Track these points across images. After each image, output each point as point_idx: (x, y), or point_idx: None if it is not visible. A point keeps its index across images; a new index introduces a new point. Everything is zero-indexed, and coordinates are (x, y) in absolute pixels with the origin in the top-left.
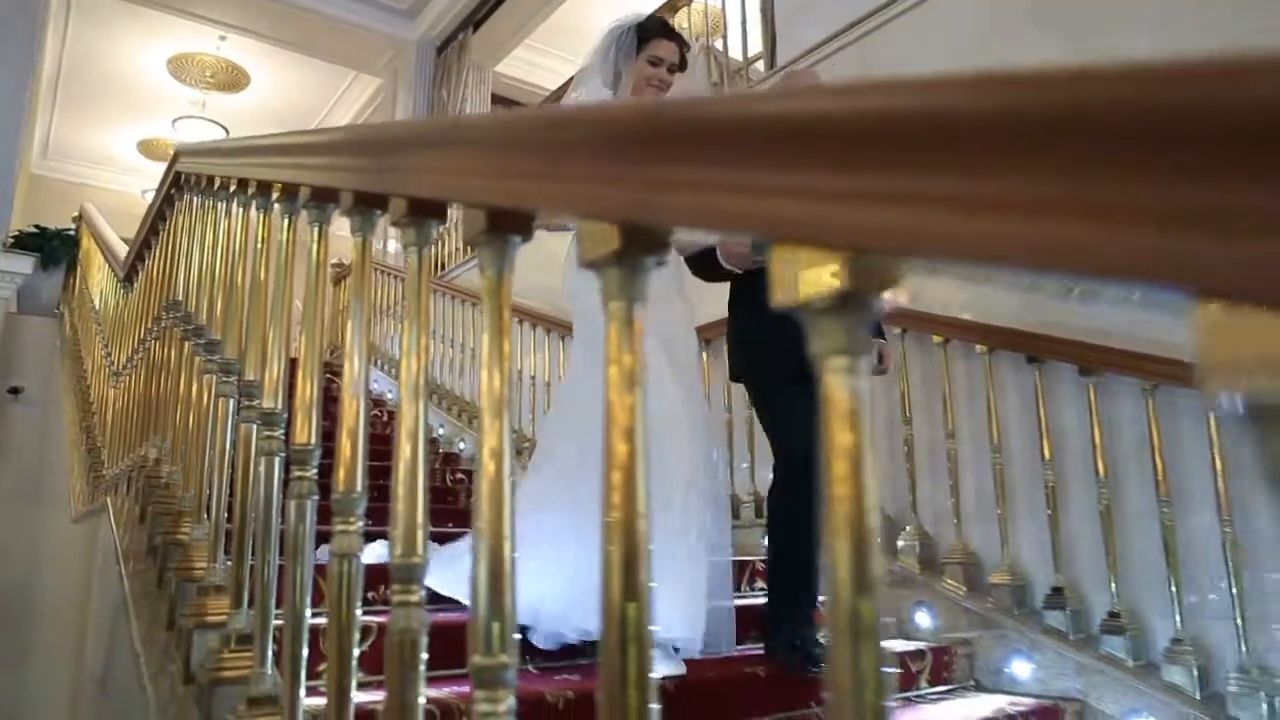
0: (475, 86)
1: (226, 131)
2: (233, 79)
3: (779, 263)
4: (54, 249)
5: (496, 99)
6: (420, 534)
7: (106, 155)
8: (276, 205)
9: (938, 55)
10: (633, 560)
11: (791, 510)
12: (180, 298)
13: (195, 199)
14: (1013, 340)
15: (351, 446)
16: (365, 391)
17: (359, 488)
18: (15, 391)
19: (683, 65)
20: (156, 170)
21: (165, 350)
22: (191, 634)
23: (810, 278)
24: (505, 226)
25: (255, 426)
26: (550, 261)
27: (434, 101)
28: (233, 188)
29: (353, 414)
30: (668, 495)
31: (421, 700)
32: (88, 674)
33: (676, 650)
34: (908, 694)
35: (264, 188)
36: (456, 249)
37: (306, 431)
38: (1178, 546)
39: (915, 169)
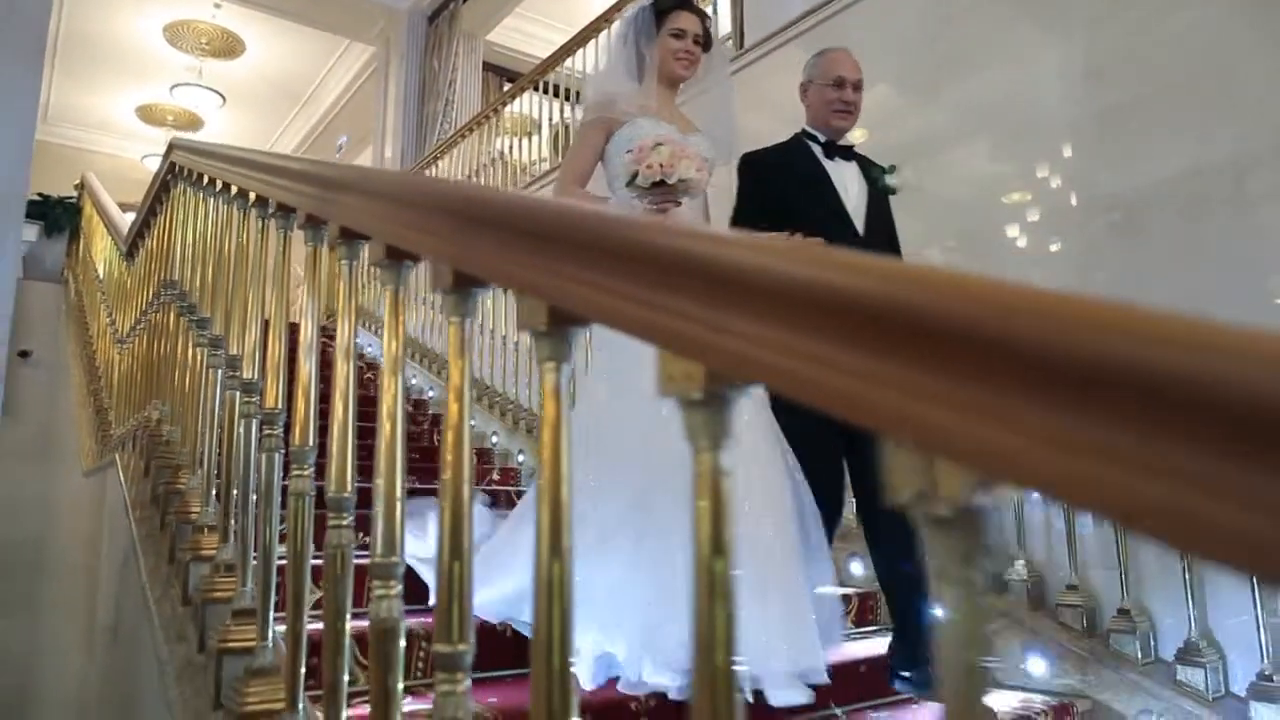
0: (466, 55)
1: (224, 99)
2: (228, 45)
3: (662, 360)
4: (57, 216)
5: (488, 67)
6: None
7: (106, 120)
8: (253, 210)
9: (896, 39)
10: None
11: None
12: (176, 277)
13: (188, 188)
14: None
15: (305, 407)
16: (316, 363)
17: (311, 443)
18: (25, 354)
19: (707, 41)
20: (155, 135)
21: (164, 321)
22: (188, 565)
23: (682, 379)
24: (399, 257)
25: (237, 393)
26: None
27: (425, 71)
28: (218, 187)
29: (305, 378)
30: (758, 525)
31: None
32: (100, 624)
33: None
34: None
35: (243, 193)
36: None
37: (274, 397)
38: None
39: (758, 315)
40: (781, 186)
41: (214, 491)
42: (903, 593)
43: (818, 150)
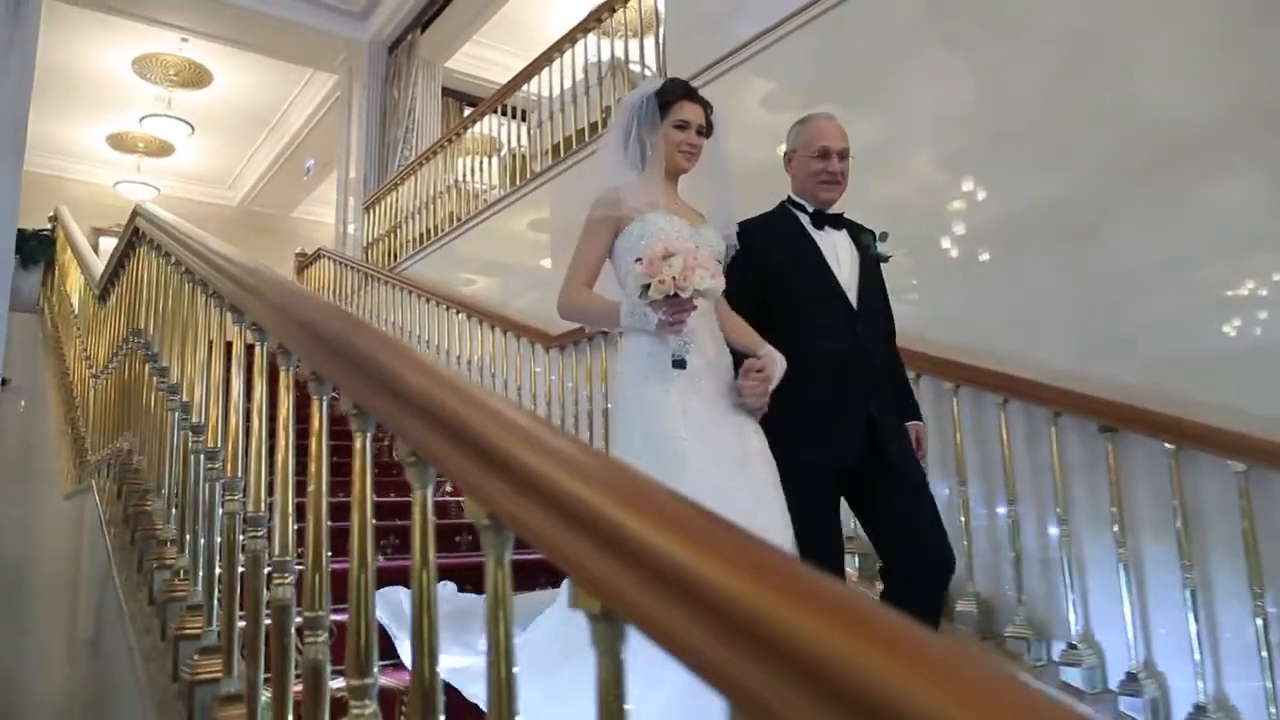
0: (425, 83)
1: (192, 128)
2: (196, 77)
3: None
4: (32, 249)
5: (448, 92)
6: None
7: (79, 149)
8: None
9: (803, 78)
10: None
11: None
12: (142, 326)
13: (150, 250)
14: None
15: (234, 447)
16: (242, 416)
17: (239, 474)
18: (4, 383)
19: (709, 128)
20: (128, 161)
21: (132, 363)
22: (153, 572)
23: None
24: (286, 353)
25: (189, 433)
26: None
27: (386, 100)
28: (173, 260)
29: (235, 428)
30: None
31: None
32: (80, 638)
33: None
34: None
35: (188, 269)
36: (409, 239)
37: (215, 438)
38: None
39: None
40: (769, 259)
41: (174, 511)
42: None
43: (805, 220)
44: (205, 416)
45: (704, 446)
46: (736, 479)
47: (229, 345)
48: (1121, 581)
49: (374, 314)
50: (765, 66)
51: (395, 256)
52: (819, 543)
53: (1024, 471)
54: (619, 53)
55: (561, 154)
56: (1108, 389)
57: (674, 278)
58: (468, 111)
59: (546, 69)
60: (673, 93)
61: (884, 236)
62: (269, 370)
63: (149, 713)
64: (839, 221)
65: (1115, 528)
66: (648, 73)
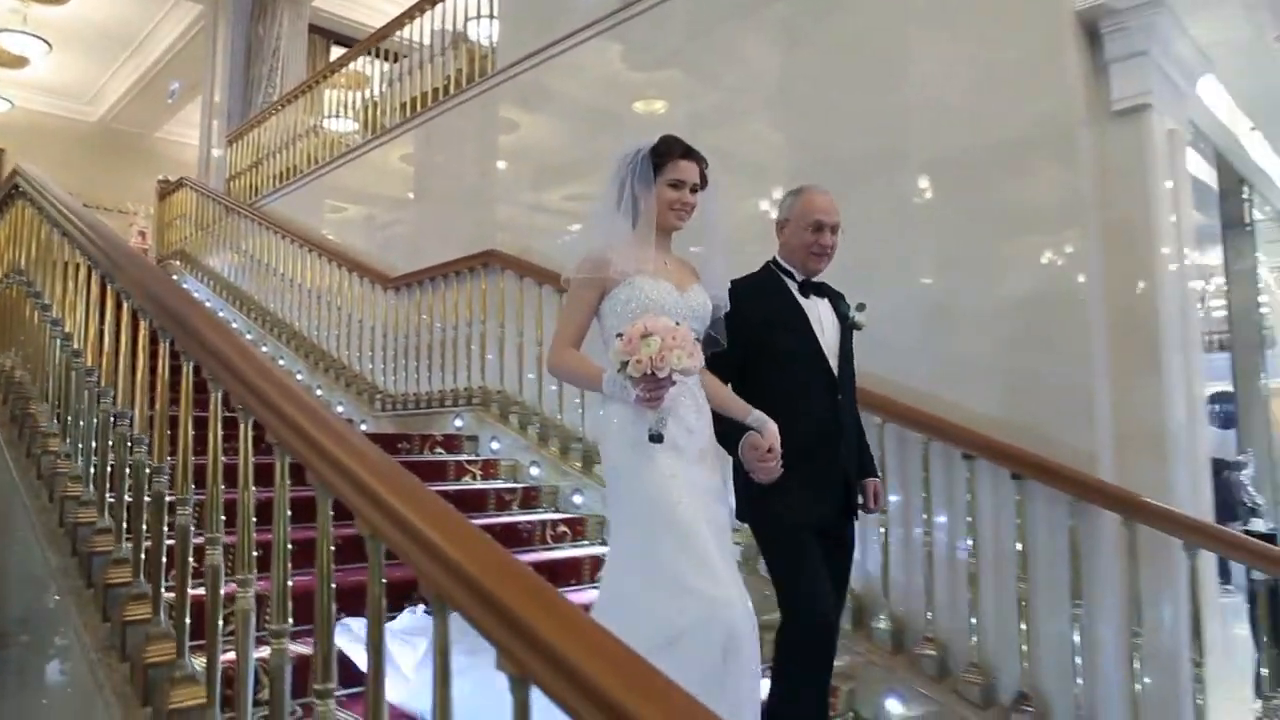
0: (291, 22)
1: (49, 45)
2: None
3: None
4: None
5: (315, 29)
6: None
7: None
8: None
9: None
10: None
11: (797, 682)
12: (24, 267)
13: (28, 205)
14: None
15: (108, 365)
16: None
17: (110, 383)
18: None
19: (703, 182)
20: None
21: (15, 295)
22: (40, 457)
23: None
24: (144, 309)
25: (70, 355)
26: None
27: (251, 36)
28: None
29: (109, 350)
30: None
31: None
32: None
33: None
34: None
35: (65, 231)
36: (272, 175)
37: (92, 358)
38: None
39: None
40: (758, 323)
41: (56, 412)
42: None
43: (793, 287)
44: (85, 343)
45: (699, 509)
46: (721, 540)
47: (102, 289)
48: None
49: (234, 244)
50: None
51: (257, 190)
52: (820, 591)
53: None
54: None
55: (418, 108)
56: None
57: (651, 358)
58: (335, 50)
59: (417, 18)
60: (669, 151)
61: (861, 307)
62: (131, 313)
63: (43, 545)
64: (821, 289)
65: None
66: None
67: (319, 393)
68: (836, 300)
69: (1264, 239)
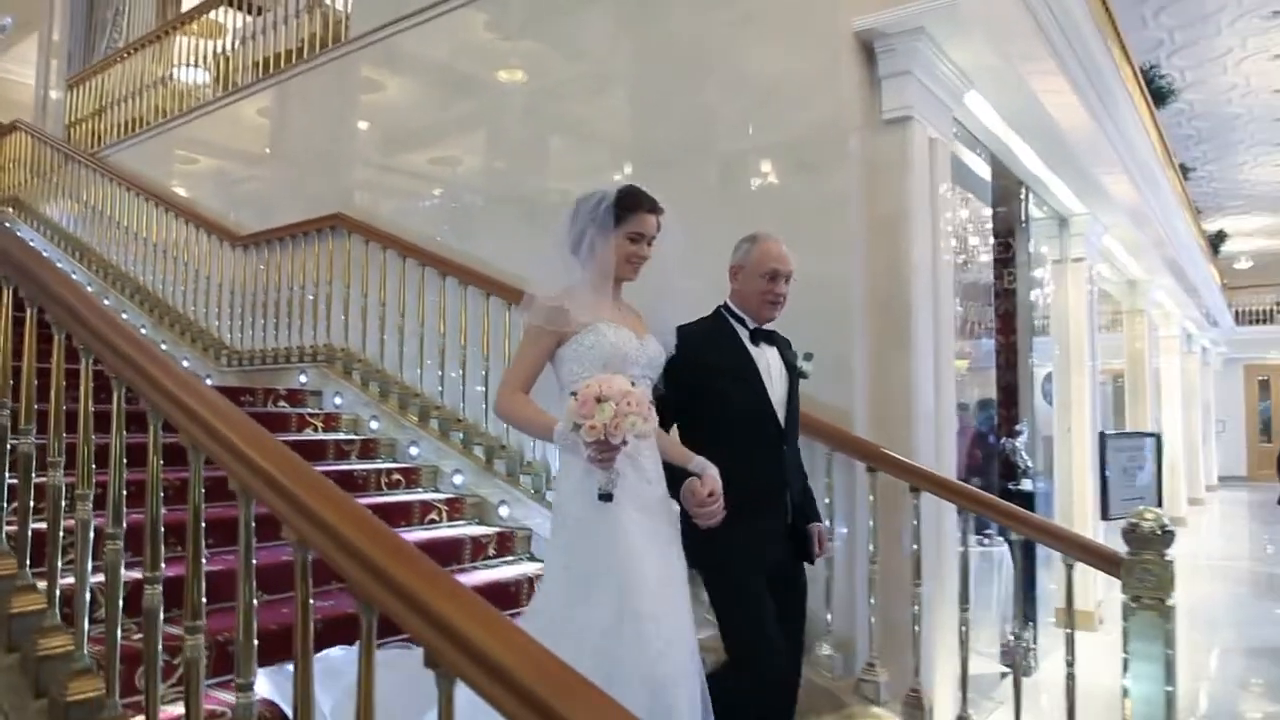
0: None
1: None
2: None
3: None
4: None
5: None
6: None
7: None
8: None
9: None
10: None
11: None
12: None
13: None
14: None
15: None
16: None
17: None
18: None
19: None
20: None
21: None
22: None
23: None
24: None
25: None
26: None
27: None
28: None
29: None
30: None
31: None
32: None
33: None
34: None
35: None
36: (116, 124)
37: None
38: None
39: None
40: (706, 372)
41: None
42: None
43: (744, 335)
44: None
45: (654, 560)
46: (677, 589)
47: None
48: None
49: (74, 193)
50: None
51: (101, 140)
52: (769, 639)
53: None
54: None
55: (273, 69)
56: None
57: (605, 424)
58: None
59: None
60: (635, 205)
61: (808, 356)
62: None
63: None
64: (771, 337)
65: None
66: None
67: (164, 346)
68: (784, 348)
69: (1043, 235)
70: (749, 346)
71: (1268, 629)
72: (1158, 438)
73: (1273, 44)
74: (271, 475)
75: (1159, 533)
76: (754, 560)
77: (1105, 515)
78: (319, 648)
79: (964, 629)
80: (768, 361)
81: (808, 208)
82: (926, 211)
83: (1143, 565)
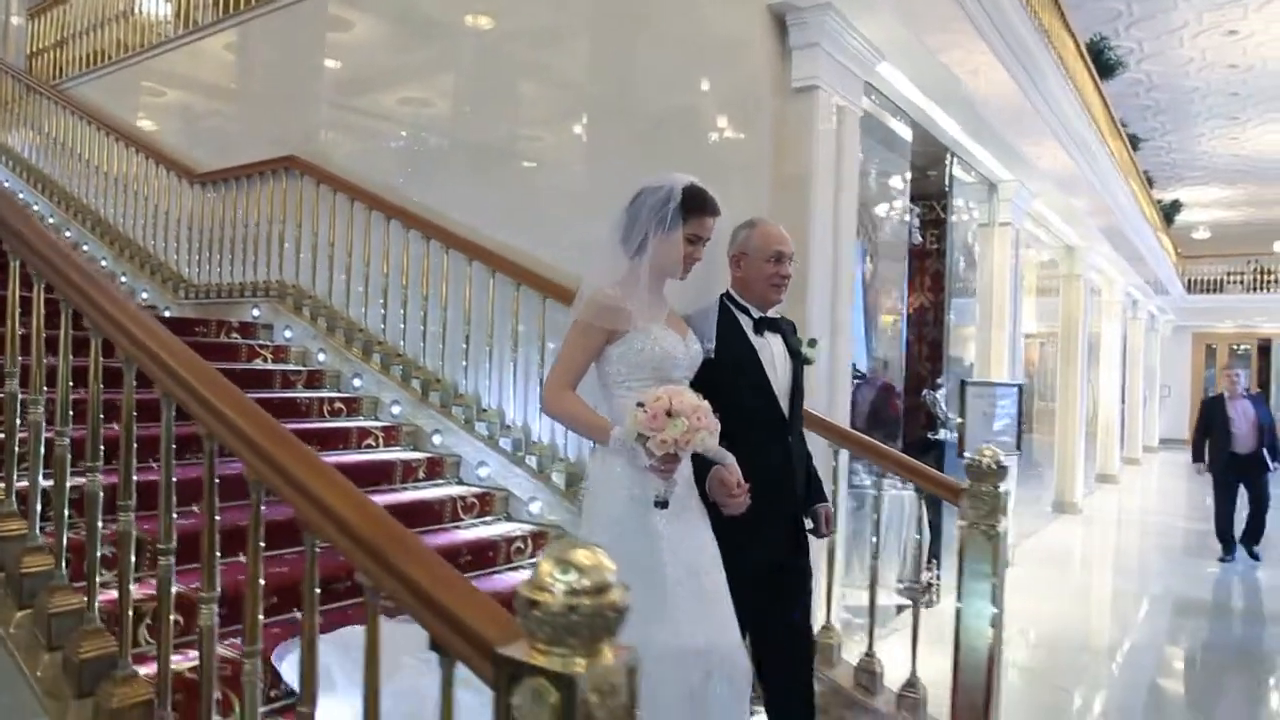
0: None
1: None
2: None
3: None
4: None
5: None
6: None
7: None
8: None
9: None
10: None
11: None
12: None
13: None
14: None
15: None
16: None
17: None
18: None
19: None
20: None
21: None
22: None
23: None
24: None
25: None
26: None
27: None
28: None
29: None
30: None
31: None
32: None
33: None
34: None
35: None
36: (79, 56)
37: None
38: None
39: None
40: (709, 361)
41: None
42: None
43: (748, 325)
44: None
45: (683, 565)
46: (703, 584)
47: None
48: None
49: (35, 124)
50: None
51: (63, 71)
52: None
53: None
54: None
55: (237, 7)
56: None
57: (676, 439)
58: None
59: None
60: (702, 207)
61: (813, 343)
62: None
63: None
64: (776, 325)
65: None
66: None
67: (123, 279)
68: (788, 334)
69: (971, 198)
70: (752, 337)
71: (1171, 579)
72: (1020, 388)
73: (1226, 19)
74: (177, 372)
75: (994, 467)
76: (758, 552)
77: (960, 454)
78: (272, 611)
79: (874, 566)
80: (771, 351)
81: (725, 164)
82: (830, 174)
83: (978, 496)
